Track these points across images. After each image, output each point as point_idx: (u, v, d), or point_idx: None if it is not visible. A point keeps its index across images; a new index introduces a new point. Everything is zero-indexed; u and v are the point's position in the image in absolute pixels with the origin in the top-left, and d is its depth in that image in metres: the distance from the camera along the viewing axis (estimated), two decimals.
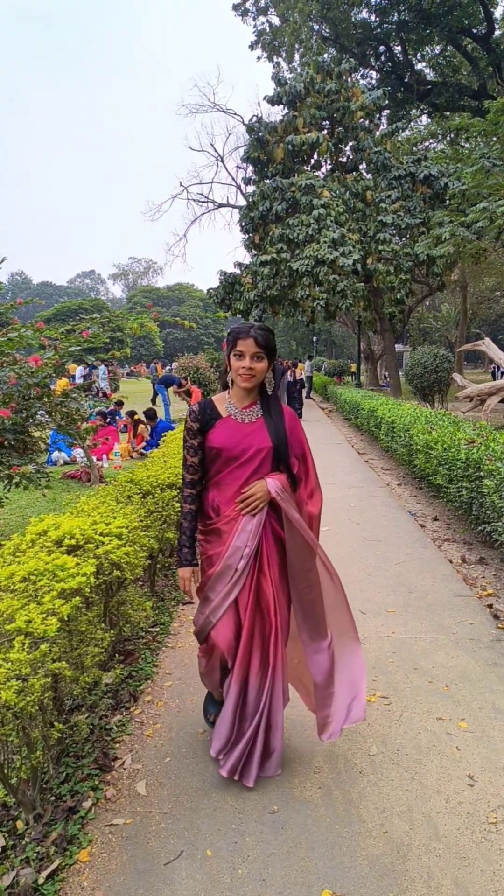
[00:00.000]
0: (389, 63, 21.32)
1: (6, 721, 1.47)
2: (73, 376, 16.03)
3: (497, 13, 19.45)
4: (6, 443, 3.95)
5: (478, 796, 1.78)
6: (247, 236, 16.93)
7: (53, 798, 1.79)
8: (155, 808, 1.79)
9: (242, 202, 19.24)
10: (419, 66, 21.72)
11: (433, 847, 1.60)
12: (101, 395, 14.91)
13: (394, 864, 1.55)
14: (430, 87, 20.73)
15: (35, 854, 1.58)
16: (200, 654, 1.89)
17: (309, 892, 1.47)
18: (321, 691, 1.88)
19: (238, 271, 16.85)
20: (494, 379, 18.34)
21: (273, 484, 1.79)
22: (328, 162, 16.76)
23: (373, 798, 1.79)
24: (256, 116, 16.47)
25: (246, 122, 17.45)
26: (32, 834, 1.65)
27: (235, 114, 30.28)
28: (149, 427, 9.26)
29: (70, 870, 1.56)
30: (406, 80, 20.84)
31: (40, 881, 1.50)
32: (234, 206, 23.03)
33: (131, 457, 8.79)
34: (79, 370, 18.21)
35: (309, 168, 16.40)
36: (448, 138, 20.29)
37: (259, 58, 22.89)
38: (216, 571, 1.79)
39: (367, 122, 15.70)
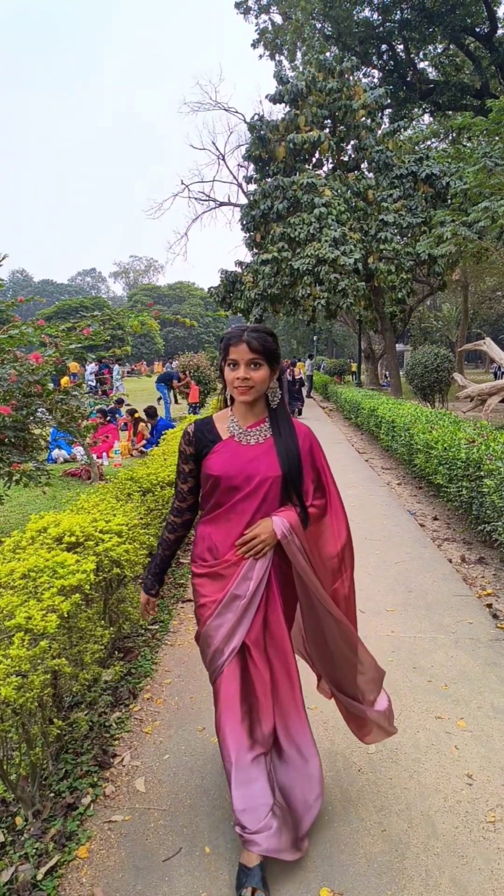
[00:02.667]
0: (392, 62, 21.27)
1: (6, 717, 1.47)
2: (74, 375, 16.04)
3: (500, 12, 19.43)
4: (7, 440, 3.94)
5: (476, 795, 1.79)
6: (248, 235, 16.91)
7: (52, 794, 1.79)
8: (154, 804, 1.79)
9: (244, 200, 19.21)
10: (421, 64, 21.69)
11: (431, 845, 1.60)
12: (108, 393, 14.92)
13: (392, 863, 1.55)
14: (432, 85, 20.69)
15: (34, 850, 1.58)
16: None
17: (307, 889, 1.47)
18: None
19: (239, 270, 16.85)
20: (495, 379, 18.33)
21: (280, 523, 1.48)
22: (330, 161, 16.74)
23: (371, 796, 1.80)
24: (258, 115, 16.45)
25: (247, 120, 17.42)
26: (31, 830, 1.65)
27: (237, 112, 30.35)
28: (149, 425, 9.26)
29: (69, 866, 1.56)
30: (408, 79, 20.80)
31: (39, 877, 1.50)
32: (235, 205, 23.00)
33: (131, 455, 8.79)
34: (90, 368, 18.26)
35: (310, 167, 16.38)
36: (450, 137, 20.26)
37: (261, 56, 22.89)
38: (209, 624, 1.54)
39: (368, 121, 15.67)
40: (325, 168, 17.10)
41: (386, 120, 19.88)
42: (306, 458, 1.56)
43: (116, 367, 19.02)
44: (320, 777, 1.58)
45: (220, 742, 1.50)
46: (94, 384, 17.22)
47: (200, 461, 1.55)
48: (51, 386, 4.45)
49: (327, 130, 15.98)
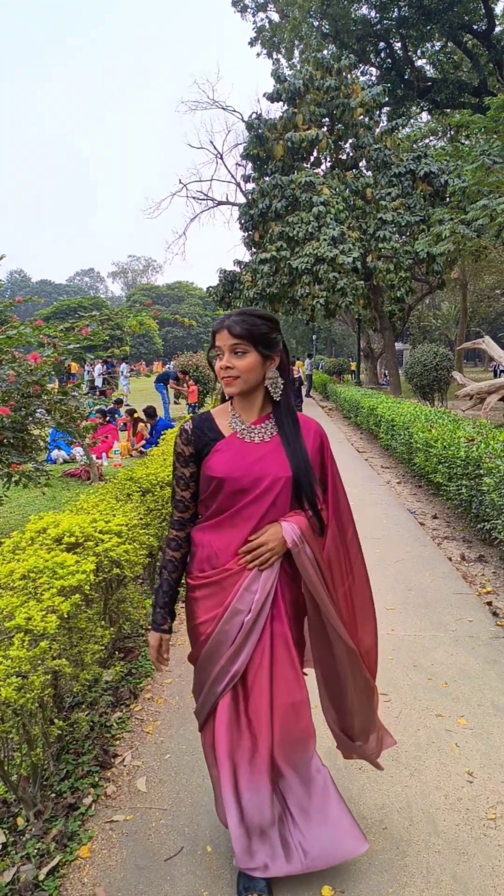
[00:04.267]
0: (389, 59, 21.24)
1: (6, 718, 1.47)
2: (73, 375, 16.08)
3: (497, 9, 19.39)
4: (5, 441, 3.94)
5: (477, 793, 1.79)
6: (246, 234, 16.89)
7: (54, 795, 1.80)
8: (155, 804, 1.79)
9: (242, 200, 19.21)
10: (419, 62, 21.65)
11: (432, 843, 1.61)
12: (107, 393, 14.94)
13: (393, 860, 1.55)
14: (430, 83, 20.66)
15: (35, 850, 1.58)
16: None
17: (308, 888, 1.47)
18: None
19: (238, 269, 16.84)
20: (495, 377, 18.33)
21: (290, 530, 1.33)
22: (328, 159, 16.73)
23: (372, 794, 1.80)
24: (256, 113, 16.42)
25: (245, 119, 17.39)
26: (33, 830, 1.65)
27: (235, 111, 30.29)
28: (148, 425, 9.26)
29: (70, 866, 1.56)
30: (406, 77, 20.77)
31: (41, 877, 1.51)
32: (233, 204, 22.98)
33: (131, 455, 8.79)
34: (97, 367, 18.29)
35: (309, 165, 16.36)
36: (448, 135, 20.25)
37: (258, 54, 22.82)
38: (207, 645, 1.38)
39: (366, 119, 15.65)
40: (323, 166, 17.09)
41: (384, 118, 19.84)
42: (315, 458, 1.41)
43: (124, 365, 19.05)
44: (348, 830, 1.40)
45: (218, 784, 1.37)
46: (101, 385, 17.29)
47: (201, 462, 1.37)
48: (50, 386, 4.44)
49: (325, 129, 15.96)
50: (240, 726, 1.35)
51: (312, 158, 16.60)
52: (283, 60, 22.30)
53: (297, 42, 21.29)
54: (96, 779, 1.88)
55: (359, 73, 20.62)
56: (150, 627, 1.49)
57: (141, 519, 2.67)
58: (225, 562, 1.36)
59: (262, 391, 1.38)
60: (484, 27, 18.63)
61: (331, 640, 1.41)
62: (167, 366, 20.03)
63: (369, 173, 16.03)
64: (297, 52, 21.69)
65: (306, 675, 1.46)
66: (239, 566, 1.34)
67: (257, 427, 1.37)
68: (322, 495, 1.44)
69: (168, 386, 13.17)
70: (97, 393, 12.93)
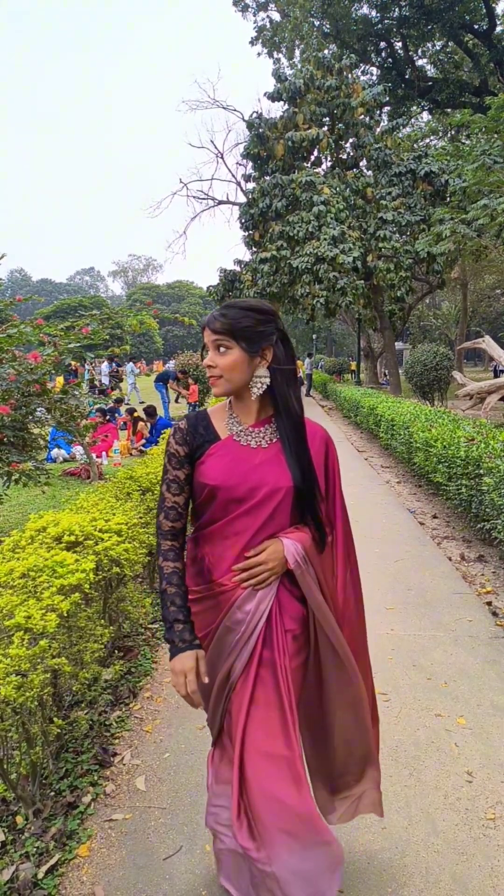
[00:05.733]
0: (390, 59, 21.23)
1: (6, 716, 1.47)
2: (76, 373, 16.09)
3: (499, 9, 19.44)
4: (6, 439, 3.94)
5: (476, 792, 1.79)
6: (247, 233, 16.89)
7: (53, 793, 1.80)
8: (154, 803, 1.79)
9: (242, 199, 19.19)
10: (420, 62, 21.64)
11: (431, 843, 1.61)
12: (107, 392, 14.94)
13: (392, 860, 1.55)
14: (430, 83, 20.65)
15: (35, 849, 1.58)
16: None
17: None
18: None
19: (238, 268, 16.84)
20: (495, 377, 18.33)
21: (293, 548, 1.20)
22: (328, 158, 16.72)
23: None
24: (256, 113, 16.41)
25: (246, 118, 17.39)
26: (32, 829, 1.65)
27: (235, 110, 30.21)
28: (148, 424, 9.26)
29: (70, 864, 1.56)
30: (407, 77, 20.76)
31: (40, 876, 1.51)
32: (234, 203, 22.96)
33: (130, 454, 8.79)
34: (104, 366, 18.30)
35: (309, 165, 16.35)
36: (449, 135, 20.23)
37: (259, 54, 22.81)
38: (206, 659, 1.25)
39: (367, 119, 15.64)
40: (323, 166, 17.08)
41: (384, 117, 19.83)
42: (320, 466, 1.27)
43: (130, 364, 19.01)
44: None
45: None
46: (108, 383, 17.29)
47: (195, 464, 1.24)
48: (50, 385, 4.44)
49: (326, 128, 15.95)
50: (218, 775, 1.23)
51: (313, 158, 16.59)
52: (283, 60, 22.30)
53: (297, 41, 21.27)
54: (95, 777, 1.88)
55: (359, 73, 20.62)
56: (173, 653, 1.20)
57: (141, 518, 2.67)
58: (218, 577, 1.23)
59: (269, 391, 1.24)
60: (485, 27, 18.62)
61: (327, 675, 1.27)
62: (167, 365, 20.05)
63: (370, 173, 16.03)
64: (297, 52, 21.68)
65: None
66: (232, 584, 1.21)
67: (256, 430, 1.23)
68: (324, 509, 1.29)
69: (168, 386, 13.18)
70: (97, 392, 12.93)
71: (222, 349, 1.17)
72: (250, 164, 17.37)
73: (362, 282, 14.42)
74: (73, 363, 14.74)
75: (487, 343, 10.04)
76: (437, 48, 21.20)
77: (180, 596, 1.22)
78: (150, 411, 9.29)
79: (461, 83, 20.20)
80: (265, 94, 16.33)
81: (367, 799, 1.40)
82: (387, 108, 20.54)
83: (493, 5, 18.30)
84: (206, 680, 1.19)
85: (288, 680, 1.18)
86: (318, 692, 1.31)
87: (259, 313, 1.18)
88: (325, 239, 13.92)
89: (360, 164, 16.44)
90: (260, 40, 22.28)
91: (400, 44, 20.68)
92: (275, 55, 22.49)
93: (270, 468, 1.20)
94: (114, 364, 18.47)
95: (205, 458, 1.22)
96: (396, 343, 19.54)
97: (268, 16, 22.08)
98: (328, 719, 1.32)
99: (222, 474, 1.19)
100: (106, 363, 18.48)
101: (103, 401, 9.33)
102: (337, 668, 1.28)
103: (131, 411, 9.93)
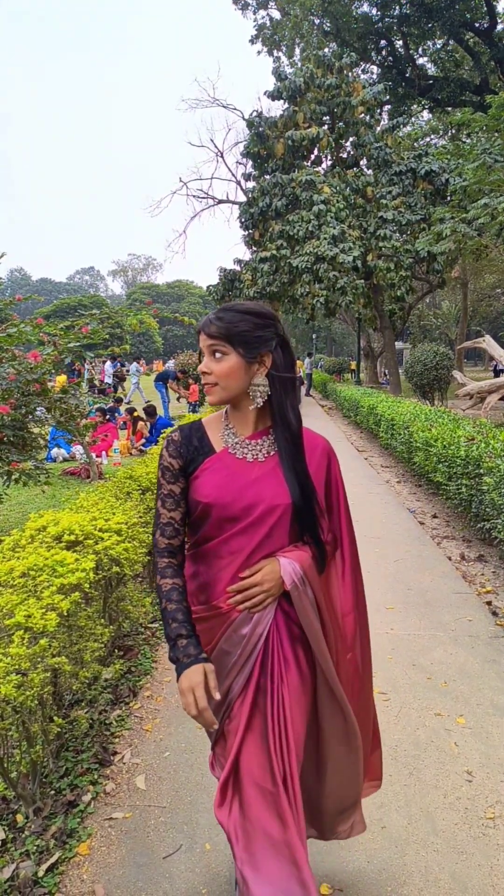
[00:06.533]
0: (391, 58, 21.20)
1: (6, 715, 1.47)
2: (77, 372, 16.09)
3: (500, 7, 19.44)
4: (6, 439, 3.94)
5: (476, 792, 1.79)
6: (247, 233, 16.88)
7: (53, 792, 1.80)
8: (154, 802, 1.79)
9: (242, 198, 19.18)
10: (420, 60, 21.61)
11: (431, 842, 1.61)
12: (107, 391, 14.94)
13: (392, 859, 1.55)
14: (431, 81, 20.62)
15: (35, 847, 1.59)
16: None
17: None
18: None
19: (238, 268, 16.82)
20: (495, 376, 18.33)
21: (290, 568, 1.12)
22: (328, 157, 16.70)
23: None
24: (256, 111, 16.39)
25: (246, 117, 17.37)
26: (32, 827, 1.66)
27: (235, 109, 30.15)
28: (148, 424, 9.26)
29: (70, 863, 1.57)
30: (407, 75, 20.73)
31: (40, 874, 1.51)
32: (233, 203, 22.95)
33: (130, 453, 8.80)
34: (108, 365, 18.28)
35: (309, 164, 16.34)
36: (449, 134, 20.22)
37: (259, 52, 22.78)
38: None
39: (367, 118, 15.62)
40: (323, 165, 17.06)
41: (385, 116, 19.81)
42: (320, 481, 1.19)
43: (135, 364, 18.96)
44: None
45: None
46: (112, 382, 17.26)
47: (190, 478, 1.16)
48: (51, 384, 4.45)
49: (326, 127, 15.94)
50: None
51: (313, 157, 16.57)
52: (283, 58, 22.27)
53: (297, 40, 21.26)
54: (95, 776, 1.88)
55: (360, 72, 20.59)
56: (179, 669, 1.09)
57: (140, 517, 2.67)
58: (214, 598, 1.15)
59: (248, 398, 1.15)
60: (486, 25, 18.60)
61: (321, 699, 1.18)
62: (167, 365, 20.06)
63: (370, 172, 16.01)
64: (297, 50, 21.66)
65: None
66: (228, 606, 1.13)
67: (253, 443, 1.15)
68: (327, 519, 1.22)
69: (168, 386, 13.19)
70: (97, 391, 12.93)
71: (218, 355, 1.10)
72: (250, 162, 17.36)
73: (362, 281, 14.41)
74: (76, 364, 14.74)
75: (488, 342, 10.03)
76: (438, 46, 21.17)
77: (182, 611, 1.13)
78: (150, 411, 9.29)
79: (462, 82, 20.17)
80: (265, 93, 16.32)
81: (356, 830, 1.35)
82: (387, 107, 20.53)
83: (494, 3, 18.27)
84: (218, 696, 1.07)
85: (283, 710, 1.10)
86: (312, 728, 1.21)
87: (258, 317, 1.11)
88: (325, 238, 13.91)
89: (361, 162, 16.42)
90: (260, 39, 22.26)
91: (400, 42, 20.66)
92: (275, 53, 22.47)
93: (267, 484, 1.13)
94: (117, 364, 18.46)
95: (199, 473, 1.15)
96: (396, 342, 19.53)
97: (268, 14, 22.07)
98: (321, 757, 1.24)
99: (216, 491, 1.12)
100: (109, 363, 18.46)
101: (103, 400, 9.33)
102: (329, 702, 1.19)
103: (131, 411, 9.93)
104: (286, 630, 1.16)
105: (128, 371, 18.67)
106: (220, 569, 1.14)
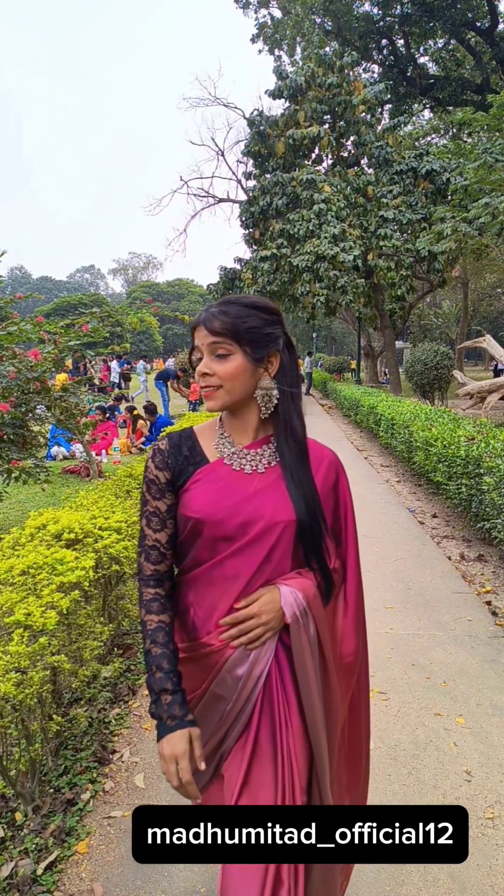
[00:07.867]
0: (392, 57, 21.17)
1: (5, 713, 1.47)
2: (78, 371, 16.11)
3: (501, 6, 19.40)
4: (6, 437, 3.94)
5: (475, 792, 1.79)
6: (247, 231, 16.87)
7: (52, 790, 1.80)
8: (153, 800, 1.79)
9: (243, 197, 19.15)
10: (422, 59, 21.58)
11: None
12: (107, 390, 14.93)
13: None
14: (432, 81, 20.60)
15: (34, 845, 1.59)
16: None
17: None
18: None
19: (238, 267, 16.82)
20: (495, 376, 18.33)
21: (292, 598, 0.98)
22: (329, 156, 16.67)
23: (369, 793, 1.80)
24: (257, 110, 16.36)
25: (247, 115, 17.34)
26: (31, 825, 1.66)
27: (236, 107, 30.13)
28: (148, 422, 9.25)
29: (68, 861, 1.57)
30: (408, 74, 20.70)
31: (39, 872, 1.51)
32: (234, 201, 22.91)
33: (130, 452, 8.79)
34: (114, 364, 18.25)
35: (310, 163, 16.32)
36: (450, 133, 20.20)
37: (260, 51, 22.71)
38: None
39: (368, 117, 15.59)
40: (324, 164, 17.04)
41: (386, 115, 19.78)
42: (327, 498, 1.06)
43: (142, 363, 18.88)
44: None
45: None
46: (117, 381, 17.23)
47: (179, 493, 1.02)
48: (51, 383, 4.45)
49: (327, 126, 15.92)
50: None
51: (314, 156, 16.55)
52: (284, 57, 22.23)
53: (298, 39, 21.21)
54: (94, 775, 1.88)
55: (361, 71, 20.57)
56: (160, 733, 0.93)
57: None
58: (204, 635, 1.00)
59: (251, 405, 1.03)
60: (487, 24, 18.57)
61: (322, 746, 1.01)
62: (167, 363, 20.05)
63: (371, 171, 15.99)
64: (298, 49, 21.61)
65: None
66: (220, 642, 0.97)
67: (252, 452, 1.02)
68: (334, 541, 1.09)
69: (167, 385, 13.19)
70: (96, 390, 12.93)
71: (219, 355, 0.96)
72: (251, 161, 17.33)
73: (363, 280, 14.40)
74: (81, 363, 14.75)
75: (488, 342, 10.03)
76: (439, 46, 21.14)
77: (168, 658, 0.96)
78: (151, 409, 9.28)
79: (463, 81, 20.15)
80: (266, 92, 16.29)
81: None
82: (388, 106, 20.49)
83: (496, 3, 18.25)
84: (203, 766, 0.93)
85: (291, 763, 0.95)
86: None
87: (266, 312, 0.98)
88: (325, 237, 13.89)
89: (361, 162, 16.41)
90: (261, 37, 22.21)
91: (402, 41, 20.63)
92: (276, 52, 22.42)
93: (268, 498, 0.98)
94: (124, 363, 18.43)
95: (189, 486, 1.00)
96: (397, 342, 19.53)
97: (269, 13, 22.02)
98: None
99: (208, 505, 0.97)
100: (116, 362, 18.43)
101: (103, 398, 9.34)
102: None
103: (131, 409, 9.92)
104: (289, 669, 1.00)
105: (130, 369, 18.65)
106: (215, 598, 0.99)
